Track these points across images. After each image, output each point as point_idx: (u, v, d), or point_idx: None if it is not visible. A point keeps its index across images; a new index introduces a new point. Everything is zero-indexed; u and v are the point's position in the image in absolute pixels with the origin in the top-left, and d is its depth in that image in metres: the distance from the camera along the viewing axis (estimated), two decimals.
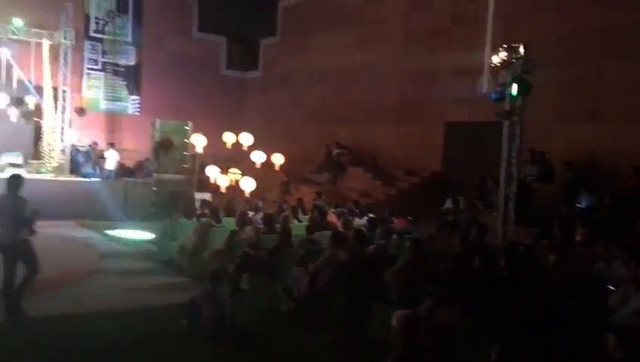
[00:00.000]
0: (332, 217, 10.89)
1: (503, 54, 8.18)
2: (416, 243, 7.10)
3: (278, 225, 9.71)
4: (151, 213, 14.52)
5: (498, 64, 8.28)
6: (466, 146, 14.19)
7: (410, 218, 11.06)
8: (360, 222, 10.56)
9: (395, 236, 8.91)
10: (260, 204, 12.27)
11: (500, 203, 8.53)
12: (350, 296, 6.69)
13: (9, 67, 16.77)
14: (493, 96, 8.42)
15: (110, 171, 16.58)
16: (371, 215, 10.85)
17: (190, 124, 16.00)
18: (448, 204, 12.25)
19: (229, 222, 10.39)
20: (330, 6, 19.52)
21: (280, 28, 21.89)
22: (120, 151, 17.73)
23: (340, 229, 9.04)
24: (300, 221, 11.29)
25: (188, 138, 15.59)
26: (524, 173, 11.35)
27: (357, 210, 11.89)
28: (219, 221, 10.62)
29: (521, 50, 8.03)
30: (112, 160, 16.76)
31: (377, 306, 6.33)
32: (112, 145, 17.90)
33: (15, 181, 6.88)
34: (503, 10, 11.04)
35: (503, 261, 6.91)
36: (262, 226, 9.73)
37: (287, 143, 17.83)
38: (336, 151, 17.20)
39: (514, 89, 8.00)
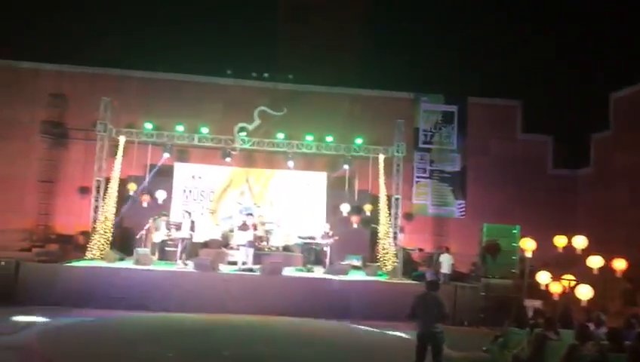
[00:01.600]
0: None
1: None
2: None
3: (627, 342, 8.49)
4: (480, 319, 14.36)
5: None
6: None
7: None
8: None
9: None
10: (603, 316, 10.96)
11: None
12: None
13: (351, 180, 19.32)
14: None
15: (445, 275, 16.72)
16: None
17: (518, 227, 15.68)
18: None
19: (567, 335, 9.51)
20: None
21: (613, 120, 20.23)
22: (453, 255, 17.84)
23: None
24: None
25: (516, 241, 15.25)
26: None
27: None
28: (555, 333, 9.79)
29: None
30: (446, 264, 17.03)
31: None
32: (447, 249, 18.01)
33: (434, 283, 8.97)
34: None
35: None
36: (607, 342, 8.63)
37: (628, 246, 15.85)
38: None
39: None
